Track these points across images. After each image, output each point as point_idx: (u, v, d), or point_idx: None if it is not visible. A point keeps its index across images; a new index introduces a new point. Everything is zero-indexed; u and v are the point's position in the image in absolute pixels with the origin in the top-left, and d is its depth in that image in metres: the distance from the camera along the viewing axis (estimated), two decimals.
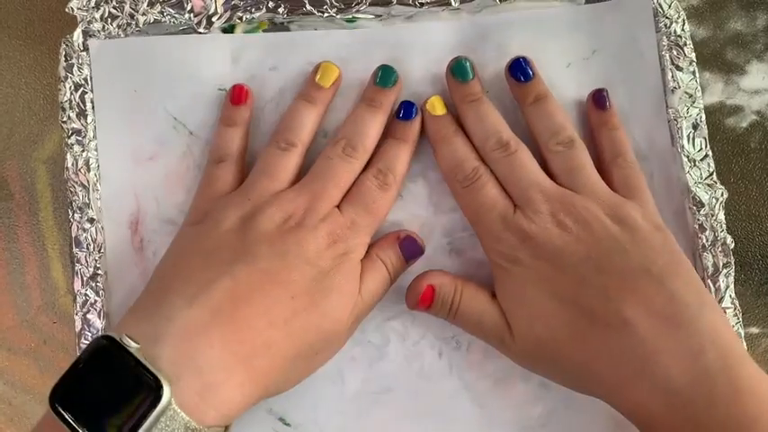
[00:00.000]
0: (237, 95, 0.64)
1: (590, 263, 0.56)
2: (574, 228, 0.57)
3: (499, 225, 0.59)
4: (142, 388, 0.47)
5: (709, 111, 0.67)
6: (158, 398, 0.46)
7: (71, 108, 0.64)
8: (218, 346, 0.51)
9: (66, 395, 0.48)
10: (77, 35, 0.64)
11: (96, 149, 0.64)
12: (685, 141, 0.63)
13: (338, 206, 0.60)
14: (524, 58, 0.62)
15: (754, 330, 0.67)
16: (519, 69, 0.62)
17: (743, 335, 0.63)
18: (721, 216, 0.63)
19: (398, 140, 0.63)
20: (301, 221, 0.57)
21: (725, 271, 0.62)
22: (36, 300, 0.66)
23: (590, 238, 0.56)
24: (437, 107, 0.63)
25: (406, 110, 0.63)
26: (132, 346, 0.48)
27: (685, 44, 0.64)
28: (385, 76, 0.63)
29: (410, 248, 0.62)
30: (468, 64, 0.63)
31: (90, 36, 0.64)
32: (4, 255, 0.67)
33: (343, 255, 0.58)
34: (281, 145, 0.61)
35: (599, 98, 0.64)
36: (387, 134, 0.63)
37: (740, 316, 0.63)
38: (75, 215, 0.63)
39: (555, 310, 0.56)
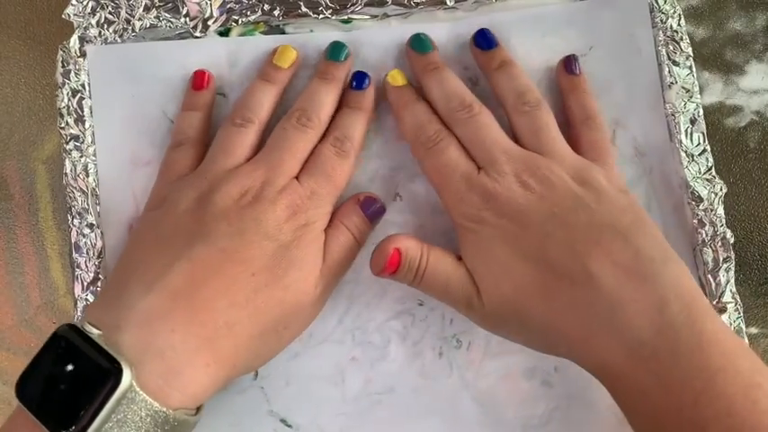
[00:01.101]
0: (199, 81, 0.65)
1: (555, 219, 0.56)
2: (537, 187, 0.57)
3: (462, 185, 0.58)
4: (103, 373, 0.47)
5: (709, 111, 0.67)
6: (119, 381, 0.46)
7: (69, 114, 0.64)
8: (179, 330, 0.51)
9: (31, 384, 0.48)
10: (74, 41, 0.64)
11: (95, 155, 0.64)
12: (683, 136, 0.63)
13: (297, 177, 0.60)
14: (486, 29, 0.64)
15: (754, 330, 0.66)
16: (483, 38, 0.64)
17: (744, 330, 0.62)
18: (720, 211, 0.63)
19: (353, 109, 0.63)
20: (259, 195, 0.57)
21: (725, 266, 0.62)
22: (35, 300, 0.66)
23: (554, 196, 0.56)
24: (398, 78, 0.64)
25: (358, 80, 0.64)
26: (94, 332, 0.48)
27: (682, 39, 0.64)
28: (335, 50, 0.64)
29: (371, 208, 0.62)
30: (426, 38, 0.64)
31: (87, 42, 0.65)
32: (3, 255, 0.67)
33: (304, 226, 0.58)
34: (237, 122, 0.61)
35: (569, 63, 0.64)
36: (341, 105, 0.64)
37: (741, 311, 0.62)
38: (75, 220, 0.63)
39: (521, 268, 0.55)
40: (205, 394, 0.53)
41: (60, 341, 0.49)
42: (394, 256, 0.58)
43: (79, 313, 0.62)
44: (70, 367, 0.48)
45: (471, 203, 0.58)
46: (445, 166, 0.60)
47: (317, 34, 0.66)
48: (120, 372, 0.46)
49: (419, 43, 0.64)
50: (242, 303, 0.54)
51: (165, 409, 0.48)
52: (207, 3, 0.64)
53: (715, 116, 0.68)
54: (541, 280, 0.55)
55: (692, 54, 0.64)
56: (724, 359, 0.50)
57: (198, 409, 0.53)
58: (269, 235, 0.56)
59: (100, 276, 0.63)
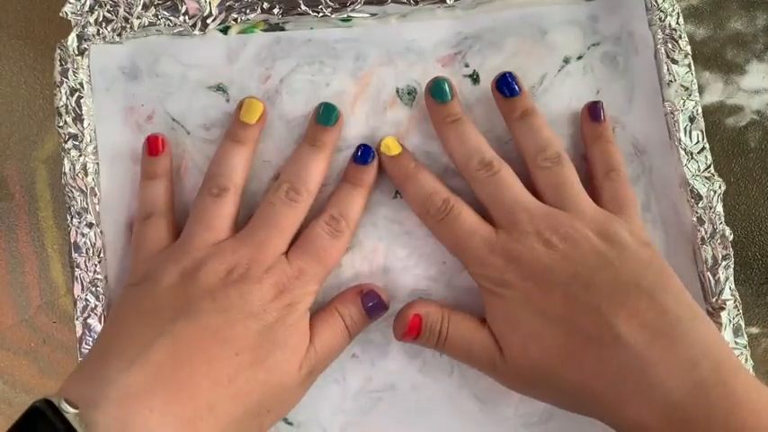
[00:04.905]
0: (153, 146, 0.63)
1: (579, 280, 0.55)
2: (560, 245, 0.56)
3: (483, 249, 0.58)
4: None
5: (709, 110, 0.67)
6: None
7: (67, 113, 0.63)
8: (158, 410, 0.49)
9: None
10: (72, 40, 0.64)
11: (94, 154, 0.64)
12: (682, 134, 0.63)
13: (286, 253, 0.59)
14: (510, 74, 0.62)
15: (754, 330, 0.67)
16: (505, 84, 0.62)
17: (743, 328, 0.62)
18: (719, 208, 0.62)
19: (353, 185, 0.62)
20: (245, 273, 0.56)
21: (724, 263, 0.62)
22: (35, 299, 0.66)
23: (577, 254, 0.56)
24: (392, 147, 0.62)
25: (363, 153, 0.62)
26: (70, 411, 0.46)
27: (680, 37, 0.64)
28: (325, 114, 0.62)
29: (372, 303, 0.61)
30: (446, 85, 0.62)
31: (85, 40, 0.65)
32: (3, 254, 0.67)
33: (288, 305, 0.57)
34: (213, 191, 0.60)
35: (594, 110, 0.63)
36: (342, 177, 0.63)
37: (740, 308, 0.62)
38: (74, 220, 0.63)
39: (548, 331, 0.55)
40: None
41: (34, 419, 0.47)
42: (414, 321, 0.59)
43: (79, 313, 0.62)
44: None
45: (494, 267, 0.57)
46: (462, 234, 0.59)
47: (316, 32, 0.66)
48: None
49: (439, 91, 0.62)
50: (224, 383, 0.52)
51: None
52: (206, 1, 0.64)
53: (715, 116, 0.68)
54: (570, 343, 0.54)
55: (690, 52, 0.64)
56: (757, 418, 0.50)
57: None
58: (254, 314, 0.55)
59: (99, 276, 0.63)
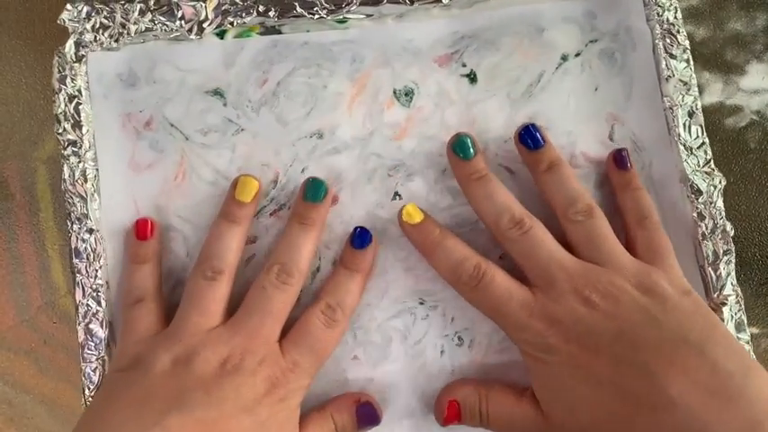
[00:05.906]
0: (142, 230, 0.62)
1: (623, 339, 0.53)
2: (601, 304, 0.54)
3: (522, 314, 0.56)
4: None
5: (709, 111, 0.67)
6: None
7: (66, 119, 0.64)
8: None
9: None
10: (69, 46, 0.64)
11: (93, 160, 0.64)
12: (681, 129, 0.63)
13: (281, 341, 0.59)
14: (533, 125, 0.61)
15: (754, 330, 0.66)
16: (529, 136, 0.61)
17: (746, 323, 0.62)
18: (720, 203, 0.62)
19: (350, 271, 0.61)
20: (239, 365, 0.55)
21: (725, 258, 0.62)
22: (36, 300, 0.66)
23: (619, 312, 0.54)
24: (414, 215, 0.61)
25: (360, 237, 0.61)
26: None
27: (678, 32, 0.64)
28: (313, 190, 0.61)
29: (366, 415, 0.60)
30: (469, 140, 0.60)
31: (82, 47, 0.65)
32: (4, 255, 0.67)
33: (280, 401, 0.56)
34: (208, 274, 0.59)
35: (620, 158, 0.62)
36: (339, 261, 0.63)
37: (742, 303, 0.62)
38: (74, 226, 0.63)
39: (596, 397, 0.53)
40: None
41: None
42: (451, 407, 0.59)
43: (81, 319, 0.62)
44: None
45: (535, 331, 0.56)
46: (498, 300, 0.57)
47: (312, 34, 0.66)
48: None
49: (462, 147, 0.60)
50: None
51: None
52: (202, 5, 0.64)
53: (715, 116, 0.68)
54: (620, 408, 0.52)
55: (689, 47, 0.64)
56: None
57: None
58: (247, 409, 0.54)
59: (100, 281, 0.63)
